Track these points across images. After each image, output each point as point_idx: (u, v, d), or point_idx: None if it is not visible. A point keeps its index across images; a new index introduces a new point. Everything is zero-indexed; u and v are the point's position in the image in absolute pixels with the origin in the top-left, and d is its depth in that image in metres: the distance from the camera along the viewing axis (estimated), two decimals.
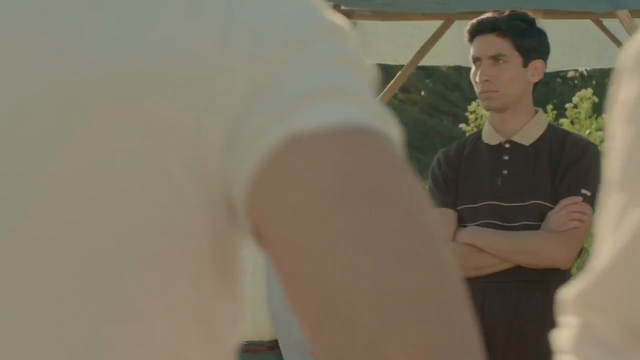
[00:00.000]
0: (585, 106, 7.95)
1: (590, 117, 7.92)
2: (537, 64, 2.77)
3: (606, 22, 4.55)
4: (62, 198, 0.57)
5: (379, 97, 4.86)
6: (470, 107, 10.39)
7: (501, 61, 2.72)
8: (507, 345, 2.67)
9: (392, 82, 5.97)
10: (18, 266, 0.57)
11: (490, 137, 2.82)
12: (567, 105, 8.19)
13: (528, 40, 2.74)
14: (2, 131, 0.57)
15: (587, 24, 4.73)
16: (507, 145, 2.77)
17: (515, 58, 2.73)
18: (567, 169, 2.71)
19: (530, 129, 2.78)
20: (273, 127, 0.56)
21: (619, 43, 4.30)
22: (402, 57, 6.33)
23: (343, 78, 0.58)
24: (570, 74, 14.38)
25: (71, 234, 0.57)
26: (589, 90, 8.15)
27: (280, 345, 2.56)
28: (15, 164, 0.57)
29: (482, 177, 2.78)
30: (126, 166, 0.57)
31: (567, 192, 2.70)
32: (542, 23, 3.09)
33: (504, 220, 2.71)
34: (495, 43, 2.72)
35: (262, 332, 2.57)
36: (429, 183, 2.87)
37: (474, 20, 2.79)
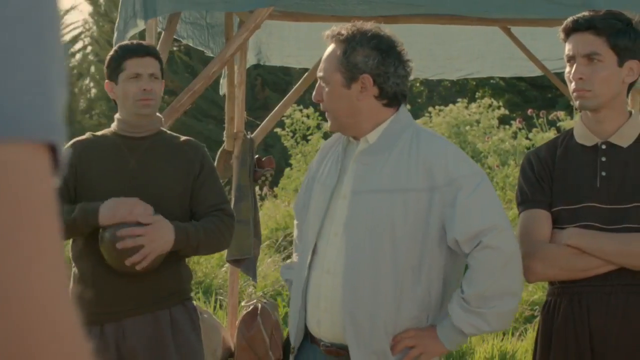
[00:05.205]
0: None
1: None
2: (632, 64, 2.63)
3: None
4: None
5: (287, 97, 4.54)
6: (287, 112, 10.08)
7: (595, 60, 2.61)
8: (615, 350, 2.59)
9: (296, 85, 5.75)
10: None
11: (584, 137, 2.71)
12: None
13: (623, 39, 2.61)
14: None
15: None
16: (603, 147, 2.68)
17: (610, 57, 2.61)
18: None
19: (627, 130, 2.68)
20: None
21: None
22: (306, 60, 6.15)
23: None
24: None
25: None
26: None
27: (352, 350, 2.55)
28: None
29: (579, 178, 2.68)
30: None
31: None
32: None
33: (604, 223, 2.62)
34: (590, 42, 2.61)
35: (339, 335, 2.58)
36: (519, 184, 2.76)
37: (570, 19, 2.66)
